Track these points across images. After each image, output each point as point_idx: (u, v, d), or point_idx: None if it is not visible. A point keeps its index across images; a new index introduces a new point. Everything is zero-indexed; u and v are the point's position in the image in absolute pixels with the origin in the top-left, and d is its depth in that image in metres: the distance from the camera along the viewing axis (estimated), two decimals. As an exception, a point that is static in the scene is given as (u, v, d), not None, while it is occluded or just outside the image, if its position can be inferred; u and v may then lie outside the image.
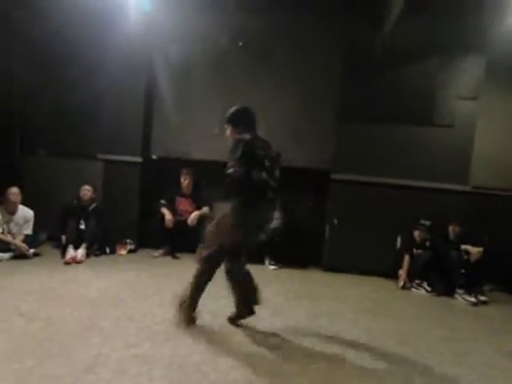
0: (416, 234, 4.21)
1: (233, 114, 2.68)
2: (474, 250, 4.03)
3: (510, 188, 4.36)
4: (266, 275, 4.21)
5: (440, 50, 4.38)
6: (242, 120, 2.65)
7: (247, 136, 2.52)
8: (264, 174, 2.48)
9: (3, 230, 4.08)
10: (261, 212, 2.56)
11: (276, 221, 4.43)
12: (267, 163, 2.51)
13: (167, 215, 4.45)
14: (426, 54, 4.40)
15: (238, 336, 2.58)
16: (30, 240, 4.14)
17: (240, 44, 4.67)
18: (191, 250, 4.54)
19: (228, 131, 2.68)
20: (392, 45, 4.31)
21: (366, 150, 4.49)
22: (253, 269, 4.36)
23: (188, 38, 4.69)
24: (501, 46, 4.28)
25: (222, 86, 4.71)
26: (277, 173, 2.60)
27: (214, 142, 4.72)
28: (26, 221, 4.21)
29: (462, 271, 3.97)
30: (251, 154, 2.45)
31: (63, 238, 4.28)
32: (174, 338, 2.46)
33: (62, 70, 4.71)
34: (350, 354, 2.45)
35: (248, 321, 2.78)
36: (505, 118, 4.45)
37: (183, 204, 4.67)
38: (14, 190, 4.15)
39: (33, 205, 4.32)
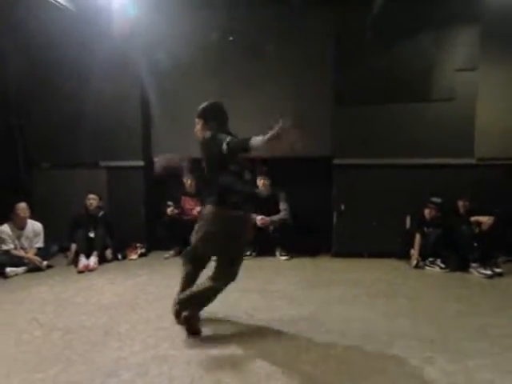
0: (426, 212, 4.18)
1: (205, 109, 2.57)
2: (485, 219, 3.97)
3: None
4: (278, 266, 4.22)
5: (433, 24, 4.29)
6: (216, 116, 2.53)
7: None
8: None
9: (15, 245, 4.14)
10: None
11: (283, 212, 4.47)
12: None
13: (170, 209, 4.49)
14: (419, 30, 4.31)
15: (254, 328, 2.59)
16: (42, 253, 4.19)
17: (231, 39, 4.63)
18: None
19: (198, 126, 2.58)
20: (384, 24, 4.24)
21: (367, 132, 4.45)
22: (265, 261, 4.42)
23: (179, 37, 4.66)
24: (495, 13, 4.20)
25: (215, 82, 4.68)
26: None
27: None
28: (36, 234, 4.26)
29: (475, 245, 3.93)
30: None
31: (73, 246, 4.32)
32: (192, 337, 2.47)
33: (58, 83, 4.73)
34: (368, 338, 2.45)
35: (265, 311, 2.80)
36: (506, 86, 4.37)
37: (189, 203, 4.68)
38: (23, 206, 4.19)
39: (41, 218, 4.37)
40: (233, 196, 2.39)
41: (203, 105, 2.59)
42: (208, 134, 2.45)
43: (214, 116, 2.53)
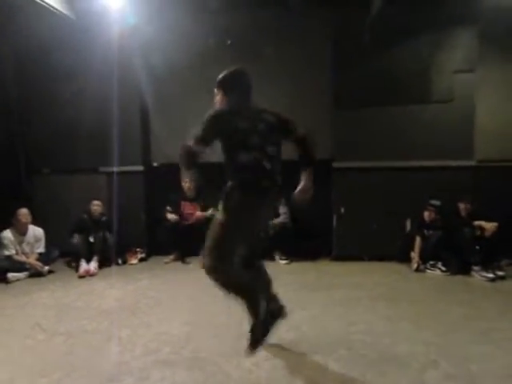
0: (426, 214, 4.18)
1: (224, 79, 2.27)
2: (489, 225, 3.96)
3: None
4: (278, 270, 4.20)
5: (432, 26, 4.32)
6: (235, 86, 2.22)
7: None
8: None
9: (17, 250, 4.14)
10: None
11: (283, 216, 4.47)
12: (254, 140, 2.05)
13: (171, 216, 4.49)
14: (417, 32, 4.34)
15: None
16: (43, 258, 4.20)
17: (228, 42, 4.66)
18: (200, 253, 4.56)
19: (217, 98, 2.28)
20: (383, 26, 4.27)
21: (366, 135, 4.46)
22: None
23: (177, 42, 4.69)
24: (492, 14, 4.22)
25: (214, 86, 4.70)
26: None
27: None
28: (38, 240, 4.27)
29: (477, 248, 3.92)
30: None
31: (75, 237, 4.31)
32: (193, 341, 2.48)
33: (58, 89, 4.76)
34: (370, 341, 2.44)
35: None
36: (504, 87, 4.39)
37: (188, 208, 4.69)
38: (24, 211, 4.20)
39: (42, 223, 4.38)
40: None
41: (222, 74, 2.29)
42: (211, 110, 2.15)
43: (234, 86, 2.23)
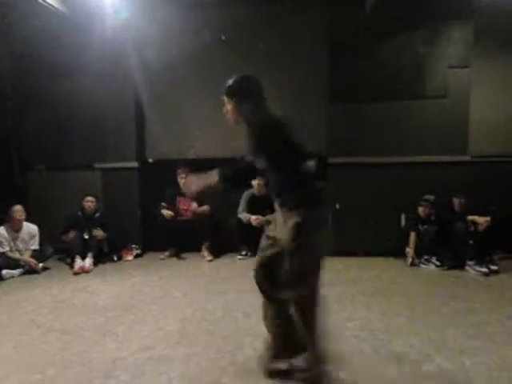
0: (420, 209, 4.20)
1: (238, 86, 2.03)
2: (482, 220, 4.00)
3: (509, 154, 4.32)
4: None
5: (427, 22, 4.32)
6: (251, 93, 2.00)
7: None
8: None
9: (11, 247, 4.11)
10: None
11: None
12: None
13: (166, 212, 4.48)
14: (412, 27, 4.34)
15: (253, 329, 2.59)
16: (37, 255, 4.17)
17: (223, 38, 4.63)
18: (196, 249, 4.57)
19: (228, 107, 2.03)
20: (378, 21, 4.25)
21: (361, 130, 4.45)
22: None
23: (171, 37, 4.65)
24: (487, 11, 4.23)
25: (208, 82, 4.68)
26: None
27: (208, 140, 4.73)
28: (32, 236, 4.24)
29: (471, 242, 3.95)
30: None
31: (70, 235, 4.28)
32: (188, 337, 2.48)
33: (52, 85, 4.71)
34: (365, 336, 2.46)
35: (260, 310, 2.81)
36: (498, 83, 4.40)
37: (184, 204, 4.67)
38: (18, 208, 4.17)
39: (37, 220, 4.35)
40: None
41: (231, 81, 2.05)
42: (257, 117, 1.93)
43: (249, 93, 2.00)
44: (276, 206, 1.96)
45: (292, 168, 1.89)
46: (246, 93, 2.01)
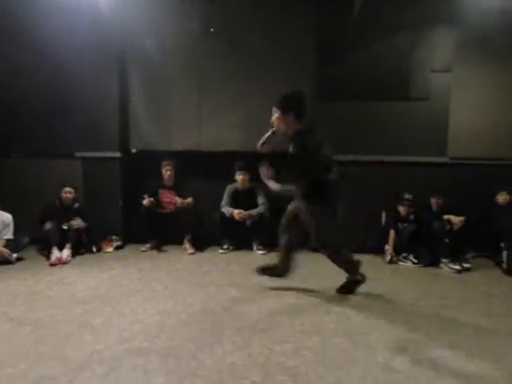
0: (401, 209, 4.28)
1: (289, 100, 2.74)
2: (456, 220, 4.13)
3: (486, 157, 4.46)
4: (255, 260, 4.22)
5: (412, 25, 4.39)
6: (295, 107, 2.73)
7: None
8: None
9: (-18, 236, 3.97)
10: None
11: (261, 206, 4.48)
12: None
13: (146, 200, 4.39)
14: (398, 30, 4.40)
15: (231, 321, 2.60)
16: (11, 245, 4.03)
17: (211, 30, 4.58)
18: (177, 242, 4.53)
19: (275, 116, 2.76)
20: (364, 23, 4.30)
21: (344, 129, 4.47)
22: (242, 255, 4.42)
23: (158, 27, 4.57)
24: (471, 16, 4.33)
25: (195, 74, 4.64)
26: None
27: (193, 132, 4.69)
28: (6, 225, 4.09)
29: (446, 241, 4.07)
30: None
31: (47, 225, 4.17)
32: (167, 330, 2.47)
33: (31, 69, 4.55)
34: (342, 330, 2.51)
35: (240, 304, 2.82)
36: (478, 88, 4.52)
37: (166, 196, 4.62)
38: (-10, 196, 4.03)
39: (12, 209, 4.20)
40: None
41: (286, 95, 2.76)
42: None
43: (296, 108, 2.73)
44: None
45: (312, 181, 2.78)
46: (291, 107, 2.71)
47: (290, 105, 2.68)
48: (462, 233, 4.14)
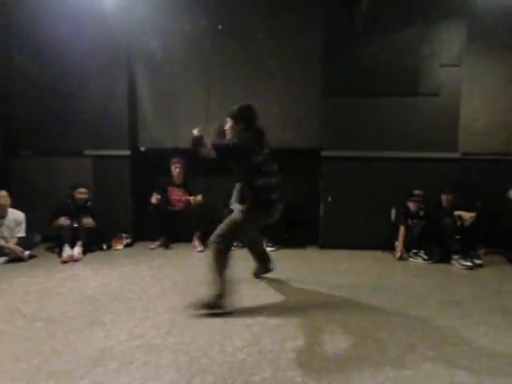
0: (410, 204, 4.25)
1: (237, 111, 2.80)
2: (467, 216, 4.09)
3: (497, 152, 4.40)
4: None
5: (421, 19, 4.33)
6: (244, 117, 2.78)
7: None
8: None
9: (-5, 234, 4.03)
10: None
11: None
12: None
13: (154, 197, 4.42)
14: (407, 24, 4.34)
15: (241, 318, 2.61)
16: (24, 242, 4.10)
17: (219, 27, 4.58)
18: (187, 239, 4.56)
19: (228, 125, 2.82)
20: (373, 17, 4.26)
21: (354, 124, 4.47)
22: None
23: (167, 25, 4.59)
24: (481, 9, 4.26)
25: (203, 71, 4.65)
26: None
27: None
28: (18, 223, 4.16)
29: (457, 237, 4.03)
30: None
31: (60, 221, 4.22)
32: (178, 326, 2.48)
33: (42, 68, 4.61)
34: (352, 326, 2.49)
35: (250, 301, 2.83)
36: (488, 82, 4.46)
37: (175, 193, 4.64)
38: (3, 193, 4.08)
39: (23, 207, 4.26)
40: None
41: (235, 107, 2.83)
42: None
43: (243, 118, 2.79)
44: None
45: (247, 181, 2.77)
46: (241, 117, 2.79)
47: (242, 116, 2.80)
48: (473, 229, 4.10)
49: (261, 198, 2.74)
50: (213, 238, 2.75)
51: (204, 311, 2.63)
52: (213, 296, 2.65)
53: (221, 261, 2.70)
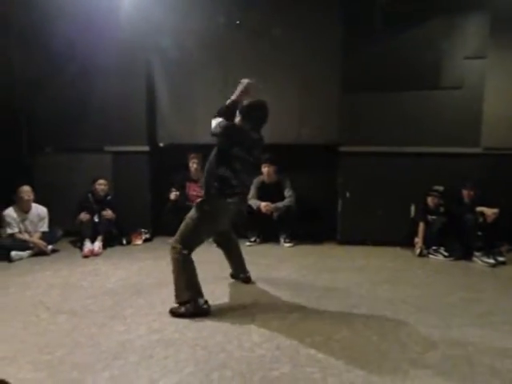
0: (429, 200, 4.16)
1: (245, 107, 2.72)
2: (490, 212, 3.97)
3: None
4: (282, 253, 4.23)
5: (443, 11, 4.20)
6: (252, 115, 2.70)
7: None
8: None
9: (20, 229, 4.15)
10: None
11: (288, 199, 4.46)
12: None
13: (172, 193, 4.47)
14: (429, 16, 4.21)
15: (260, 314, 2.62)
16: (47, 237, 4.21)
17: (237, 22, 4.55)
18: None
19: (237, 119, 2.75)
20: (393, 10, 4.16)
21: (373, 119, 4.39)
22: (269, 248, 4.43)
23: (185, 21, 4.59)
24: (504, 1, 4.10)
25: (221, 66, 4.63)
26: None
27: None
28: (41, 218, 4.27)
29: (479, 234, 3.93)
30: None
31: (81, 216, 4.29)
32: (196, 321, 2.50)
33: (62, 66, 4.70)
34: (371, 323, 2.47)
35: (269, 297, 2.83)
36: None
37: (193, 189, 4.66)
38: (26, 188, 4.19)
39: (46, 202, 4.37)
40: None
41: (247, 101, 2.75)
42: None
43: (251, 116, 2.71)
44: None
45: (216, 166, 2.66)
46: (248, 117, 2.71)
47: (249, 116, 2.70)
48: (495, 225, 3.97)
49: (221, 187, 2.60)
50: (172, 242, 2.66)
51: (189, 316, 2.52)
52: (184, 304, 2.54)
53: (184, 265, 2.58)
